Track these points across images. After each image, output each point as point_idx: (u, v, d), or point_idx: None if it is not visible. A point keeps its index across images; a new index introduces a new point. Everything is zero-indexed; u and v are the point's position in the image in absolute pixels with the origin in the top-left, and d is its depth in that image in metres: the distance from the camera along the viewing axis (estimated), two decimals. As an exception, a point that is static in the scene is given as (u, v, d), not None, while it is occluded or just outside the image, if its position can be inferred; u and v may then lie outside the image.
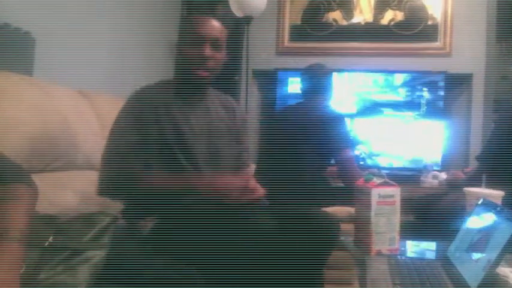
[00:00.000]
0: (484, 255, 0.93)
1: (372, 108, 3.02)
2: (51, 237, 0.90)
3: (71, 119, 1.59)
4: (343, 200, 1.74)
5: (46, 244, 0.89)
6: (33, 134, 1.39)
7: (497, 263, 0.87)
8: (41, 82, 1.57)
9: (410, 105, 2.98)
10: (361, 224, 1.27)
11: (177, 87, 1.40)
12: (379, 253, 1.21)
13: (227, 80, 3.11)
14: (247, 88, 3.17)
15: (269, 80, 3.24)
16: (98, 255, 0.90)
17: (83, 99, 1.77)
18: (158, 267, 1.02)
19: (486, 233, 0.98)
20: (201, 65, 1.33)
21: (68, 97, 1.67)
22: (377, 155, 3.02)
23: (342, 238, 1.36)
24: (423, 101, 2.97)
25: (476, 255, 0.97)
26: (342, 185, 2.10)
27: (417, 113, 2.97)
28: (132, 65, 2.49)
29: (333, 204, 1.78)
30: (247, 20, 2.99)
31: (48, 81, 1.62)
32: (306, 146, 1.97)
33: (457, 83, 3.06)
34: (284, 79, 3.16)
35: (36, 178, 1.03)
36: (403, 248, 1.27)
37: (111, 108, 1.88)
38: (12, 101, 1.36)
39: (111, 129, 1.31)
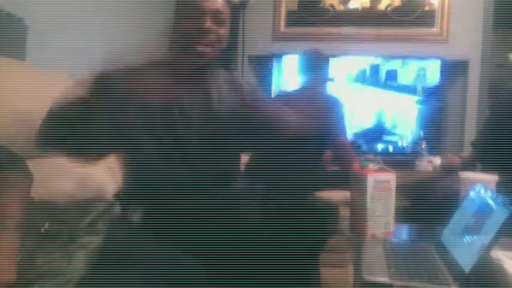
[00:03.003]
0: (477, 239, 0.94)
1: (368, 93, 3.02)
2: (47, 223, 0.91)
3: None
4: (339, 185, 1.74)
5: (42, 231, 0.89)
6: (28, 120, 1.38)
7: (490, 246, 0.88)
8: (36, 68, 1.56)
9: (406, 90, 2.98)
10: (357, 209, 1.28)
11: (171, 66, 1.26)
12: (374, 237, 1.22)
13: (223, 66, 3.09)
14: (243, 75, 3.16)
15: (265, 66, 3.22)
16: (93, 241, 0.90)
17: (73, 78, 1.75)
18: (152, 254, 1.02)
19: (480, 218, 0.99)
20: (201, 39, 1.21)
21: (64, 84, 1.66)
22: (373, 140, 3.03)
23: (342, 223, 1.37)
24: (419, 87, 2.97)
25: (470, 239, 0.98)
26: (337, 169, 2.11)
27: (413, 98, 2.97)
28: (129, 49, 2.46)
29: (329, 189, 1.79)
30: (243, 4, 2.96)
31: (41, 67, 1.61)
32: (302, 132, 1.97)
33: (452, 69, 3.06)
34: (280, 65, 3.14)
35: (31, 164, 1.03)
36: (397, 232, 1.28)
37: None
38: (7, 87, 1.35)
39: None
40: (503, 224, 0.87)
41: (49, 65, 1.67)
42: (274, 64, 3.14)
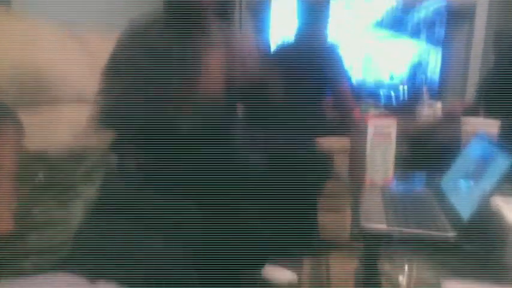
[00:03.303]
0: (478, 186, 0.93)
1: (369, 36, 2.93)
2: (42, 173, 0.90)
3: (57, 51, 1.53)
4: (339, 132, 1.73)
5: (36, 180, 0.88)
6: (18, 67, 1.34)
7: (491, 194, 0.87)
8: (23, 15, 1.49)
9: (410, 33, 2.89)
10: (356, 156, 1.26)
11: (170, 19, 1.28)
12: (373, 184, 1.22)
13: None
14: (240, 18, 3.05)
15: (263, 9, 3.10)
16: (89, 190, 0.90)
17: (67, 32, 1.69)
18: (148, 204, 1.02)
19: (481, 164, 0.98)
20: None
21: (52, 30, 1.60)
22: (374, 85, 2.98)
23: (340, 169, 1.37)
24: (424, 30, 2.88)
25: (470, 186, 0.97)
26: (337, 116, 2.09)
27: (417, 41, 2.89)
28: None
29: (329, 136, 1.78)
30: None
31: (28, 14, 1.54)
32: (302, 78, 1.93)
33: (459, 13, 2.95)
34: (279, 8, 3.02)
35: (24, 114, 1.00)
36: (397, 179, 1.28)
37: (97, 40, 1.81)
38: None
39: (106, 65, 1.27)
40: (505, 170, 0.86)
41: (36, 11, 1.60)
42: (273, 9, 3.02)
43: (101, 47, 1.48)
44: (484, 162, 0.97)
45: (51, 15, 1.64)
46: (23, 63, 1.37)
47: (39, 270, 0.78)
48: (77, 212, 0.86)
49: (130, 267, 0.78)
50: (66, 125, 1.45)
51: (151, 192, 1.07)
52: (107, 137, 1.36)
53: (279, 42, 2.27)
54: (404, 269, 0.83)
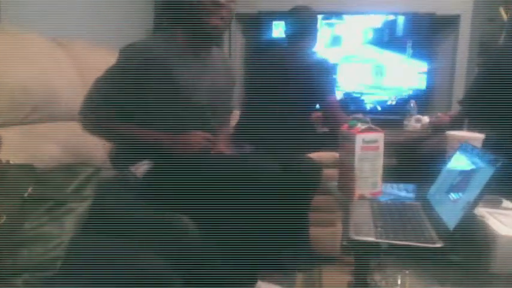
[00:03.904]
0: (463, 196, 0.95)
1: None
2: (30, 187, 0.89)
3: (48, 68, 1.54)
4: (328, 146, 1.75)
5: (26, 195, 0.88)
6: (7, 84, 1.34)
7: (475, 204, 0.89)
8: (12, 30, 1.50)
9: (395, 47, 2.94)
10: (345, 169, 1.28)
11: (185, 39, 1.38)
12: (362, 197, 1.24)
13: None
14: (230, 33, 3.08)
15: (253, 24, 3.14)
16: (81, 206, 0.89)
17: (58, 48, 1.70)
18: (150, 214, 1.03)
19: (466, 176, 1.00)
20: (215, 13, 1.30)
21: (43, 45, 1.60)
22: (361, 100, 3.01)
23: (330, 183, 1.39)
24: (409, 43, 2.93)
25: (455, 197, 0.99)
26: (327, 130, 2.11)
27: (402, 55, 2.94)
28: (109, 8, 2.37)
29: (318, 150, 1.80)
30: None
31: (18, 29, 1.54)
32: (290, 91, 1.96)
33: (443, 24, 3.01)
34: (268, 23, 3.06)
35: (15, 130, 1.01)
36: (385, 191, 1.30)
37: (88, 55, 1.82)
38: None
39: (107, 71, 1.34)
40: (488, 181, 0.88)
41: (24, 25, 1.61)
42: (262, 23, 3.06)
43: (93, 63, 1.50)
44: (468, 173, 0.99)
45: (41, 30, 1.65)
46: (14, 79, 1.37)
47: (31, 287, 0.77)
48: (69, 227, 0.86)
49: (124, 284, 0.78)
50: (57, 140, 1.45)
51: (152, 203, 1.08)
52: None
53: (268, 55, 2.30)
54: (396, 280, 0.84)
